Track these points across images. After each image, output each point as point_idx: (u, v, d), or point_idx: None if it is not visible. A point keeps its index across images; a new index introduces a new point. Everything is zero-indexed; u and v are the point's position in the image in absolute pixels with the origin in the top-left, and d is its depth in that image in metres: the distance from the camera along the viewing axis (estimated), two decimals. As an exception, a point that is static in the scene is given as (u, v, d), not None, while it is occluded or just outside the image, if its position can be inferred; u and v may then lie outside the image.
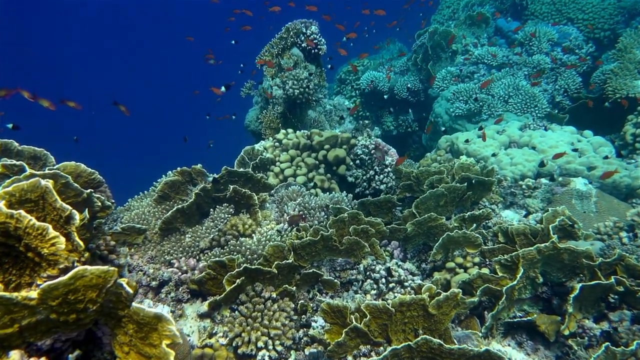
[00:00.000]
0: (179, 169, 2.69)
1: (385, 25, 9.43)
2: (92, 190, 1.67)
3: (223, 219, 2.52)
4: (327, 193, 3.16)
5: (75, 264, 1.15)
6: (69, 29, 31.33)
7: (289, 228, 2.59)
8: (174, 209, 2.44)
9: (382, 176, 3.23)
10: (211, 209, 2.58)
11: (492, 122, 4.98)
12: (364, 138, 3.37)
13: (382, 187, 3.21)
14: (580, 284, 2.03)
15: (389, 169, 3.25)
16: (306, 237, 2.30)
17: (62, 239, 1.00)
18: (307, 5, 3.99)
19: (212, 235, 2.46)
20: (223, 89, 3.61)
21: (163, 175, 3.15)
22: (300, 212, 2.56)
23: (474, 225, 2.58)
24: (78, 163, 1.78)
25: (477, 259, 2.42)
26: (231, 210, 2.57)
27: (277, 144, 3.31)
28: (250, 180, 2.69)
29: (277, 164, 3.15)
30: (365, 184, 3.29)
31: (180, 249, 2.44)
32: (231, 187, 2.53)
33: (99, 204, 1.70)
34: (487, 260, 2.42)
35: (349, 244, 2.25)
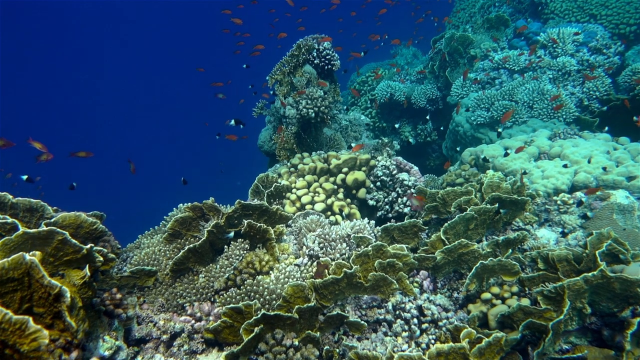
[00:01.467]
0: (189, 204, 2.57)
1: (392, 39, 9.33)
2: (93, 245, 1.54)
3: (238, 255, 2.38)
4: (348, 219, 3.00)
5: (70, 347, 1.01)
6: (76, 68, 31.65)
7: (309, 262, 2.43)
8: (186, 248, 2.31)
9: (405, 198, 3.05)
10: (225, 246, 2.44)
11: (517, 128, 4.76)
12: (384, 158, 3.21)
13: (406, 210, 3.03)
14: (639, 319, 1.82)
15: (412, 190, 3.07)
16: (328, 274, 2.14)
17: (45, 333, 0.86)
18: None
19: (227, 275, 2.32)
20: (232, 122, 3.50)
21: (174, 208, 3.03)
22: (322, 255, 2.40)
23: (509, 250, 2.37)
24: (78, 213, 1.66)
25: (515, 288, 2.21)
26: (246, 246, 2.43)
27: (292, 169, 3.17)
28: (266, 213, 2.54)
29: (294, 190, 3.01)
30: (387, 207, 3.11)
31: (194, 290, 2.31)
32: (245, 221, 2.39)
33: (101, 258, 1.57)
34: (526, 289, 2.21)
35: (374, 280, 2.08)
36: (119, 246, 2.18)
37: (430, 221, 2.95)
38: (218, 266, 2.36)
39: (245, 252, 2.42)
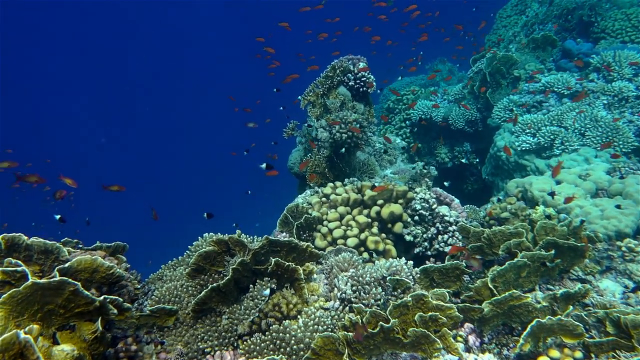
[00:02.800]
0: (214, 237, 2.43)
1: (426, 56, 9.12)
2: (107, 296, 1.41)
3: (264, 296, 2.22)
4: (382, 256, 2.80)
5: None
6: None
7: (341, 307, 2.25)
8: (209, 287, 2.17)
9: (446, 236, 2.83)
10: (251, 285, 2.29)
11: (566, 157, 4.46)
12: (423, 190, 3.00)
13: (447, 249, 2.81)
14: None
15: (453, 227, 2.85)
16: (361, 323, 1.95)
17: None
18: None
19: (251, 318, 2.16)
20: (264, 165, 3.41)
21: (199, 237, 2.92)
22: (355, 300, 2.21)
23: (570, 307, 2.12)
24: (94, 257, 1.54)
25: (578, 354, 1.95)
26: (273, 285, 2.26)
27: (324, 199, 3.01)
28: (295, 250, 2.38)
29: (325, 223, 2.84)
30: (426, 243, 2.90)
31: (216, 334, 2.16)
32: (273, 260, 2.24)
33: (115, 311, 1.43)
34: (592, 355, 1.95)
35: (415, 336, 1.87)
36: (138, 286, 2.06)
37: (473, 262, 2.72)
38: (242, 307, 2.21)
39: (271, 292, 2.26)
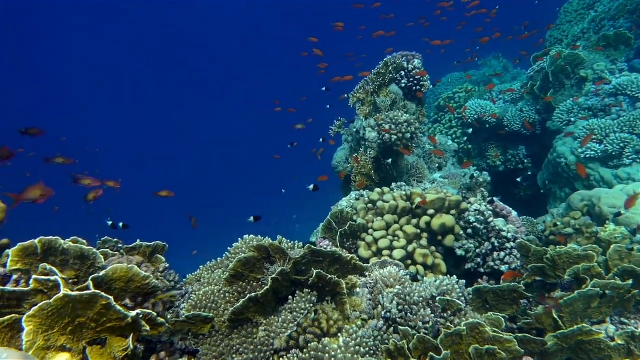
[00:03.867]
0: (254, 243, 2.34)
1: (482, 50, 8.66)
2: (140, 312, 1.33)
3: (303, 310, 2.10)
4: (431, 271, 2.62)
5: None
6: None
7: (385, 327, 2.09)
8: (247, 297, 2.07)
9: (502, 253, 2.60)
10: (290, 296, 2.17)
11: (638, 167, 4.07)
12: (478, 201, 2.78)
13: (504, 268, 2.59)
14: None
15: (511, 244, 2.61)
16: (408, 349, 1.79)
17: None
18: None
19: (289, 332, 2.05)
20: (312, 187, 3.31)
21: (239, 239, 2.84)
22: (401, 321, 2.05)
23: (650, 348, 1.87)
24: (131, 266, 1.46)
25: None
26: (313, 299, 2.14)
27: (370, 205, 2.85)
28: (338, 261, 2.25)
29: (370, 231, 2.68)
30: (479, 259, 2.68)
31: (252, 346, 2.06)
32: (314, 271, 2.11)
33: (147, 327, 1.35)
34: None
35: (467, 370, 1.70)
36: (175, 292, 1.99)
37: (532, 284, 2.48)
38: (280, 320, 2.10)
39: (311, 305, 2.13)
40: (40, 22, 25.78)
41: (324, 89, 4.51)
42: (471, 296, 2.29)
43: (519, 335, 1.96)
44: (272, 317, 2.17)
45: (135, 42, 29.93)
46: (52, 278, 1.28)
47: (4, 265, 1.55)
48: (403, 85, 3.61)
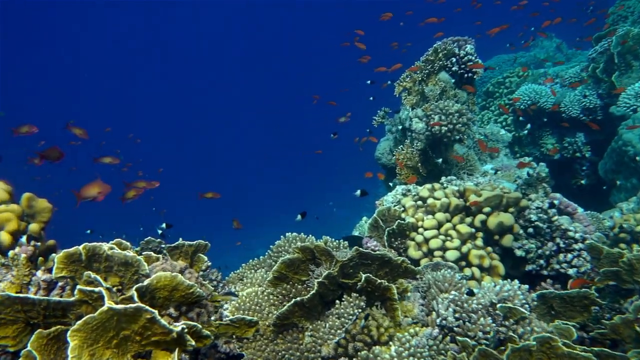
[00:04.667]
0: (299, 243, 2.27)
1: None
2: (184, 327, 1.28)
3: (352, 315, 2.01)
4: (487, 273, 2.46)
5: None
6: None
7: (441, 335, 1.97)
8: (292, 302, 2.01)
9: (570, 256, 2.41)
10: (337, 300, 2.09)
11: None
12: (540, 197, 2.59)
13: (571, 271, 2.39)
14: None
15: (580, 245, 2.41)
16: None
17: None
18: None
19: (337, 339, 1.97)
20: (358, 192, 3.21)
21: (281, 236, 2.78)
22: (458, 329, 1.92)
23: None
24: (174, 274, 1.42)
25: None
26: (362, 303, 2.05)
27: (419, 202, 2.71)
28: (388, 264, 2.14)
29: (420, 231, 2.55)
30: (541, 261, 2.50)
31: (298, 353, 2.00)
32: (363, 276, 2.01)
33: (192, 342, 1.30)
34: None
35: (536, 390, 1.56)
36: (220, 299, 1.95)
37: (604, 289, 2.29)
38: (327, 326, 2.02)
39: (360, 310, 2.04)
40: (40, 20, 26.12)
41: (368, 82, 4.36)
42: (535, 302, 2.12)
43: (596, 349, 1.79)
44: (319, 322, 2.10)
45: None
46: (97, 290, 1.25)
47: (50, 270, 1.54)
48: (453, 72, 3.41)
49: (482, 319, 1.94)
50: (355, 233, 4.37)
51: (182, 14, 29.33)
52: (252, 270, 2.66)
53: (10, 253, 1.53)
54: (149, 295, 1.40)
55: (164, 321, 1.23)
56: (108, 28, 27.59)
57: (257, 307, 2.23)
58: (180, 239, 2.41)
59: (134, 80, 30.23)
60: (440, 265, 2.31)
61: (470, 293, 2.06)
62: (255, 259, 2.75)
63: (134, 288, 1.34)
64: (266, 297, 2.27)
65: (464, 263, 2.45)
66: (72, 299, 1.29)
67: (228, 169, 26.39)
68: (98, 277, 1.36)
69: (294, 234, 2.72)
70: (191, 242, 2.36)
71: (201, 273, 2.46)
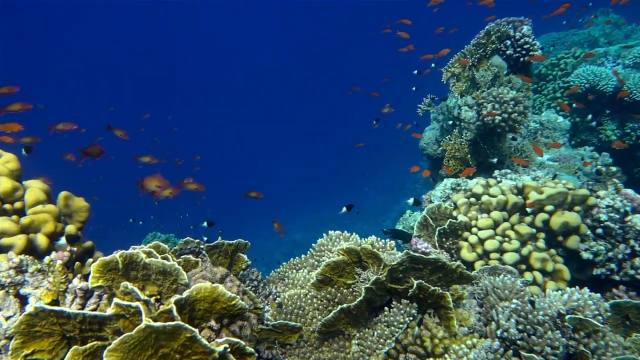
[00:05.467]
0: (345, 245, 2.15)
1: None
2: (227, 346, 1.19)
3: (402, 324, 1.88)
4: (550, 279, 2.27)
5: None
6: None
7: (502, 348, 1.82)
8: (338, 309, 1.90)
9: (646, 260, 2.18)
10: (386, 307, 1.96)
11: None
12: (610, 194, 2.35)
13: (648, 278, 2.17)
14: None
15: (657, 248, 2.18)
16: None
17: None
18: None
19: (386, 349, 1.85)
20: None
21: (324, 234, 2.67)
22: (522, 343, 1.76)
23: None
24: (215, 285, 1.33)
25: None
26: (413, 311, 1.91)
27: (472, 199, 2.53)
28: (441, 269, 1.98)
29: (474, 230, 2.38)
30: (612, 265, 2.28)
31: (344, 363, 1.90)
32: (415, 282, 1.87)
33: (235, 361, 1.20)
34: None
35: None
36: (268, 317, 1.87)
37: (687, 299, 2.05)
38: (376, 334, 1.90)
39: (411, 319, 1.91)
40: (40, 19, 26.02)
41: (415, 72, 4.16)
42: (609, 313, 1.92)
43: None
44: (366, 329, 1.98)
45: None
46: (134, 304, 1.17)
47: (86, 277, 1.48)
48: (508, 55, 3.17)
49: (549, 332, 1.77)
50: (399, 227, 4.22)
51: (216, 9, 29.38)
52: (294, 270, 2.57)
53: (46, 259, 1.49)
54: (188, 307, 1.32)
55: (205, 341, 1.14)
56: (109, 26, 27.70)
57: (300, 311, 2.13)
58: (219, 237, 2.35)
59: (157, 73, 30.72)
60: (498, 270, 2.14)
61: (531, 304, 1.88)
62: (297, 257, 2.65)
63: (172, 301, 1.27)
64: (309, 301, 2.17)
65: (523, 267, 2.26)
66: (109, 313, 1.22)
67: (261, 156, 26.65)
68: (135, 289, 1.29)
69: (337, 232, 2.60)
70: (231, 242, 2.28)
71: (241, 272, 2.40)
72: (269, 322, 2.02)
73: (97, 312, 1.22)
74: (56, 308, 1.21)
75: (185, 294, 1.29)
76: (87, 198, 2.31)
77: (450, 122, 3.62)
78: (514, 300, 1.91)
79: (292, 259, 2.68)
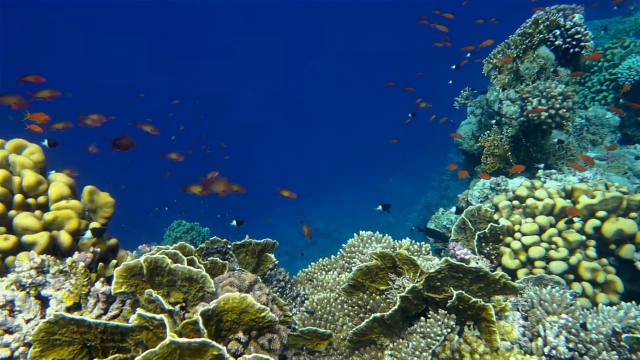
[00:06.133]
0: (378, 249, 2.04)
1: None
2: (257, 357, 1.11)
3: (439, 335, 1.77)
4: (600, 291, 2.11)
5: None
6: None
7: (548, 369, 1.68)
8: (371, 318, 1.80)
9: None
10: (422, 317, 1.85)
11: None
12: (671, 200, 2.16)
13: None
14: None
15: None
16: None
17: None
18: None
19: (422, 363, 1.74)
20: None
21: (354, 234, 2.57)
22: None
23: None
24: (243, 296, 1.25)
25: None
26: (452, 323, 1.79)
27: (515, 202, 2.37)
28: (483, 279, 1.85)
29: (517, 236, 2.23)
30: (671, 278, 2.10)
31: (376, 374, 1.80)
32: (455, 293, 1.75)
33: (265, 381, 1.12)
34: None
35: None
36: (300, 329, 1.78)
37: None
38: (411, 346, 1.80)
39: (449, 330, 1.79)
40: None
41: (454, 67, 3.99)
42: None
43: None
44: (400, 340, 1.87)
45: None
46: (158, 317, 1.10)
47: (109, 280, 1.42)
48: (556, 46, 2.97)
49: (604, 352, 1.63)
50: (431, 226, 4.08)
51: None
52: (323, 271, 2.48)
53: (69, 260, 1.43)
54: (215, 318, 1.24)
55: (232, 359, 1.05)
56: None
57: (330, 317, 2.04)
58: (247, 236, 2.28)
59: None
60: (544, 280, 2.00)
61: (583, 325, 1.74)
62: (326, 258, 2.56)
63: (199, 312, 1.18)
64: (340, 306, 2.08)
65: (571, 277, 2.11)
66: (131, 324, 1.15)
67: (287, 145, 26.60)
68: (160, 298, 1.21)
69: (369, 232, 2.50)
70: (258, 241, 2.21)
71: (268, 273, 2.33)
72: (297, 327, 1.94)
73: (119, 323, 1.15)
74: (77, 317, 1.14)
75: (212, 304, 1.21)
76: (112, 186, 2.26)
77: (490, 117, 3.44)
78: (563, 315, 1.77)
79: (320, 259, 2.59)
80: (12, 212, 1.59)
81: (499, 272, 1.85)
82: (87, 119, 2.81)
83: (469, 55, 4.30)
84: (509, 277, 1.86)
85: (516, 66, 3.03)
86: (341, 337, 1.97)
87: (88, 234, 1.74)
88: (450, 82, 4.20)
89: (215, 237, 2.01)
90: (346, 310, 2.05)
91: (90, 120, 2.78)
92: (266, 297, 1.46)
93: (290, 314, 1.78)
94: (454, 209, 3.27)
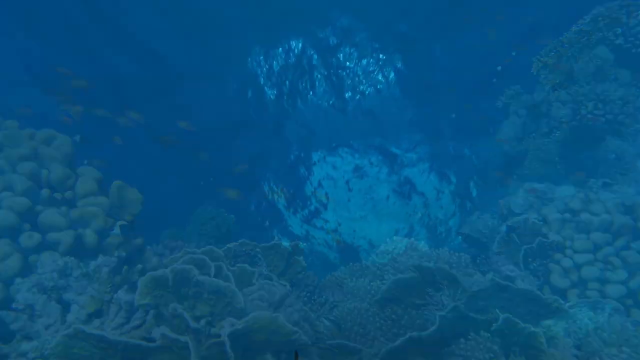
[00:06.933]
0: (416, 260, 1.90)
1: None
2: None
3: (481, 360, 1.63)
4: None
5: None
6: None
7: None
8: (407, 337, 1.67)
9: None
10: (462, 339, 1.71)
11: None
12: None
13: None
14: None
15: None
16: None
17: None
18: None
19: (462, 389, 1.61)
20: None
21: (387, 239, 2.44)
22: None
23: None
24: (274, 316, 1.17)
25: None
26: (495, 347, 1.65)
27: (567, 214, 2.19)
28: (533, 302, 1.70)
29: (569, 253, 2.05)
30: None
31: (411, 398, 1.68)
32: (501, 317, 1.61)
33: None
34: None
35: None
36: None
37: None
38: (449, 369, 1.67)
39: (492, 356, 1.65)
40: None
41: (499, 68, 3.80)
42: None
43: None
44: (437, 361, 1.75)
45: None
46: (182, 339, 1.00)
47: (133, 286, 1.34)
48: (616, 46, 2.74)
49: (670, 395, 1.46)
50: (465, 230, 3.90)
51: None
52: (354, 278, 2.36)
53: (92, 265, 1.35)
54: (243, 338, 1.14)
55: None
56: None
57: (361, 330, 1.93)
58: (276, 237, 2.18)
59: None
60: (601, 305, 1.82)
61: None
62: (357, 263, 2.44)
63: (226, 335, 1.08)
64: (371, 318, 1.95)
65: (630, 301, 1.92)
66: (154, 344, 1.05)
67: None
68: (185, 314, 1.12)
69: (405, 240, 2.36)
70: (288, 245, 2.12)
71: (297, 277, 2.23)
72: (326, 340, 1.83)
73: (141, 342, 1.06)
74: (96, 332, 1.06)
75: (241, 324, 1.11)
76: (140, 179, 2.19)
77: (537, 119, 3.23)
78: (625, 349, 1.60)
79: (350, 262, 2.47)
80: (38, 207, 1.53)
81: (552, 297, 1.69)
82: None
83: (514, 54, 4.06)
84: (563, 302, 1.70)
85: (570, 66, 2.81)
86: (372, 352, 1.85)
87: (116, 230, 1.67)
88: (498, 68, 3.97)
89: (243, 239, 1.92)
90: (379, 324, 1.93)
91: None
92: (298, 314, 1.35)
93: (322, 329, 1.67)
94: (488, 214, 3.11)
